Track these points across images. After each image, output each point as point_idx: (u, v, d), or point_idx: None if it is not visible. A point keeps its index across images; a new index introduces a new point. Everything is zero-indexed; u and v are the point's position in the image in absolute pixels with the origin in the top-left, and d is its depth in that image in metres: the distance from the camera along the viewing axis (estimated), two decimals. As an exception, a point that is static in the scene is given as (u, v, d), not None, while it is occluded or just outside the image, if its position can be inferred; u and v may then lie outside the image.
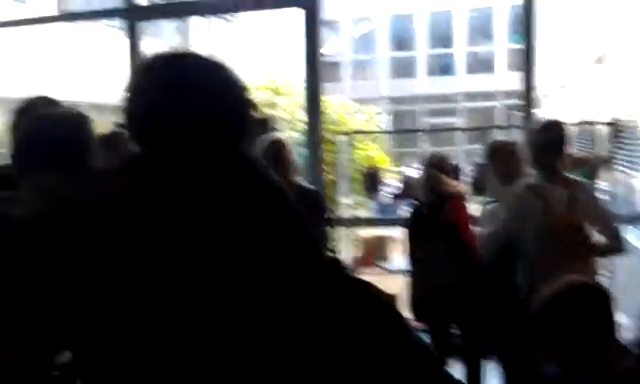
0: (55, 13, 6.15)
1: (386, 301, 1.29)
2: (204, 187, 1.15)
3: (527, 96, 4.82)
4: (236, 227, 1.13)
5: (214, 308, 1.10)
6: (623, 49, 8.47)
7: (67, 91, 10.93)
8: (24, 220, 1.25)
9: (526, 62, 4.89)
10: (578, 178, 3.19)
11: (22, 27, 6.54)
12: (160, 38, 16.19)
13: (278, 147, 3.75)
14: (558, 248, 2.95)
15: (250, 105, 1.34)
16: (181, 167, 1.17)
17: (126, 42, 5.79)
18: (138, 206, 1.13)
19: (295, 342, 1.12)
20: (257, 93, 11.04)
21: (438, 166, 3.83)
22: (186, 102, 1.22)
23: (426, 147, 25.66)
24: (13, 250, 1.16)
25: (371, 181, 4.77)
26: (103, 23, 12.59)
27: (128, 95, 1.27)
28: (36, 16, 6.40)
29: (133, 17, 5.77)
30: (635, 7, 7.64)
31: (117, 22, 8.44)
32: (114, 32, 10.82)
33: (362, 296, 1.23)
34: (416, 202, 3.92)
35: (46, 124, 1.76)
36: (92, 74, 12.27)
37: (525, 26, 4.89)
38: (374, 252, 4.90)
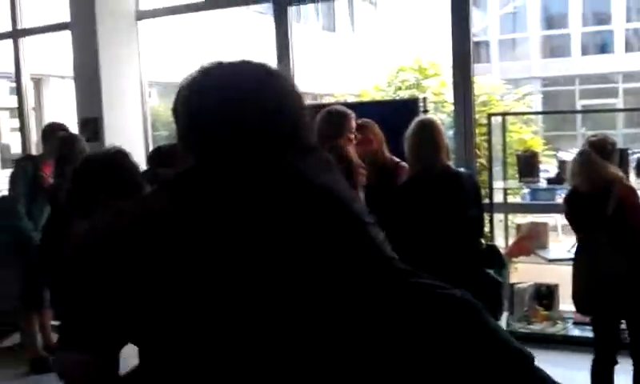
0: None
1: (461, 301, 1.20)
2: (246, 201, 1.14)
3: None
4: (280, 240, 1.12)
5: (269, 323, 1.10)
6: None
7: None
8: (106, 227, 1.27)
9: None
10: None
11: (173, 16, 6.87)
12: (306, 22, 16.50)
13: (429, 129, 3.63)
14: None
15: (304, 114, 1.30)
16: (226, 181, 1.17)
17: (274, 27, 5.89)
18: (182, 222, 1.15)
19: (354, 350, 1.10)
20: (403, 74, 10.90)
21: (598, 150, 3.54)
22: (234, 112, 1.20)
23: (582, 130, 24.43)
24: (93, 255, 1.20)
25: (527, 165, 4.51)
26: (252, 9, 12.94)
27: (177, 105, 1.28)
28: (186, 3, 6.65)
29: (281, 1, 5.84)
30: None
31: (265, 8, 8.60)
32: (262, 18, 11.08)
33: (426, 300, 1.17)
34: (574, 188, 3.65)
35: None
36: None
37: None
38: (531, 239, 4.65)
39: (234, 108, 1.21)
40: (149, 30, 6.87)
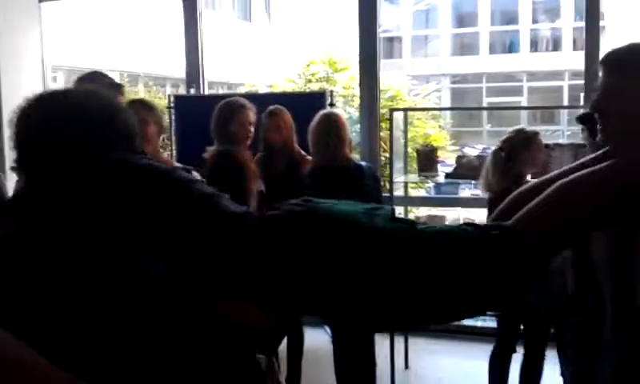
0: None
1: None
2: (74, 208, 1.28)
3: (590, 76, 4.64)
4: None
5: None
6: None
7: (126, 62, 11.13)
8: None
9: (588, 40, 4.71)
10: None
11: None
12: (220, 11, 16.35)
13: (332, 122, 3.71)
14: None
15: (133, 128, 1.46)
16: (54, 193, 1.31)
17: (183, 14, 5.84)
18: (33, 241, 1.28)
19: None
20: (314, 67, 11.00)
21: (506, 149, 3.57)
22: (55, 133, 1.36)
23: (487, 126, 25.31)
24: None
25: (426, 159, 4.67)
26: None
27: (14, 126, 1.40)
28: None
29: (192, -11, 5.80)
30: None
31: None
32: (174, 4, 10.92)
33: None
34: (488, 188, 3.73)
35: None
36: (153, 46, 12.43)
37: (587, 3, 4.71)
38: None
39: (57, 131, 1.36)
40: (54, 12, 6.66)
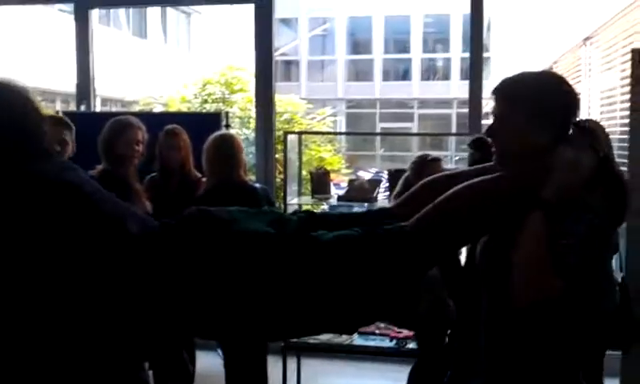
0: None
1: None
2: None
3: (475, 105, 4.87)
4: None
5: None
6: (569, 62, 8.66)
7: (15, 76, 10.68)
8: None
9: (473, 71, 4.95)
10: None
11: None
12: (115, 27, 15.97)
13: (226, 143, 3.70)
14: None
15: (40, 125, 1.49)
16: None
17: (75, 28, 5.68)
18: None
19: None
20: (210, 87, 10.95)
21: (415, 172, 3.65)
22: None
23: (381, 151, 25.98)
24: None
25: (319, 182, 4.74)
26: (56, 8, 12.31)
27: None
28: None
29: (84, 3, 5.65)
30: (580, 23, 7.83)
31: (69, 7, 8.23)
32: (65, 17, 10.58)
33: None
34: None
35: None
36: (42, 60, 11.96)
37: (472, 36, 4.95)
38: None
39: None
40: None
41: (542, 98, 1.65)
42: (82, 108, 5.60)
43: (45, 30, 12.11)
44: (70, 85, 6.04)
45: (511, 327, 1.64)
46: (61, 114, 4.55)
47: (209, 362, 4.47)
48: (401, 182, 3.71)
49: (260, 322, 1.35)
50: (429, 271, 1.51)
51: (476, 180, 1.55)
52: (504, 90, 1.70)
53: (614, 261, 3.38)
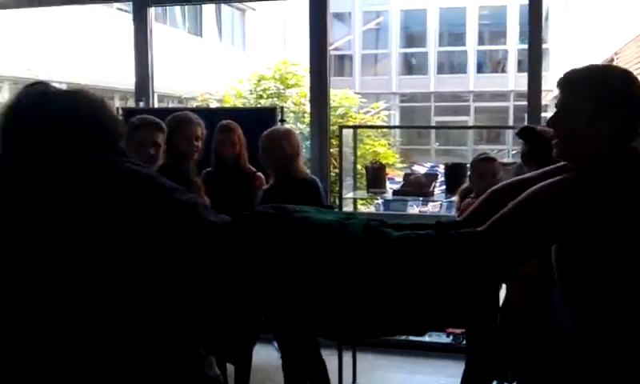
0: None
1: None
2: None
3: (533, 97, 4.77)
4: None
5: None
6: (632, 52, 8.40)
7: (72, 73, 10.96)
8: None
9: (531, 63, 4.85)
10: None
11: (31, 9, 6.56)
12: (171, 25, 16.24)
13: (284, 137, 3.71)
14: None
15: (117, 127, 1.52)
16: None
17: (134, 26, 5.80)
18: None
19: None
20: (265, 83, 11.03)
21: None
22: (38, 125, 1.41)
23: (435, 145, 25.73)
24: None
25: (374, 176, 4.73)
26: (115, 7, 12.59)
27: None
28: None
29: (143, 2, 5.75)
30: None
31: (128, 6, 8.41)
32: (124, 16, 10.81)
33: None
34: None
35: None
36: (102, 58, 12.25)
37: (531, 27, 4.84)
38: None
39: (45, 129, 1.40)
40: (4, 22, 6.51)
41: (608, 86, 1.61)
42: (141, 104, 5.71)
43: (104, 29, 12.40)
44: (128, 82, 6.17)
45: (603, 340, 1.59)
46: (117, 109, 4.63)
47: (266, 355, 4.51)
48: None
49: (331, 319, 1.34)
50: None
51: (548, 181, 1.51)
52: (568, 80, 1.66)
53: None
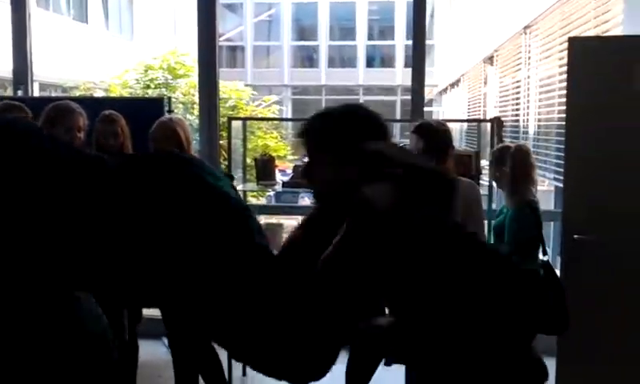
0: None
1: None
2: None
3: (418, 92, 4.93)
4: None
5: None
6: (510, 50, 8.85)
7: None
8: None
9: (416, 58, 5.00)
10: (457, 177, 3.24)
11: None
12: (54, 11, 15.53)
13: (175, 127, 3.64)
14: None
15: None
16: None
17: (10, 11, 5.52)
18: None
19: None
20: (153, 73, 10.78)
21: None
22: None
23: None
24: None
25: (264, 168, 4.73)
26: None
27: None
28: None
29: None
30: (520, 12, 8.00)
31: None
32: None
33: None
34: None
35: None
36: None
37: (415, 23, 5.00)
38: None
39: None
40: None
41: (339, 133, 1.65)
42: (20, 93, 5.44)
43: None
44: (6, 69, 5.86)
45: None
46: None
47: (154, 351, 4.43)
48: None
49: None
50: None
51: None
52: (308, 132, 1.70)
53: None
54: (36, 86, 5.69)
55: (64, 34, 14.74)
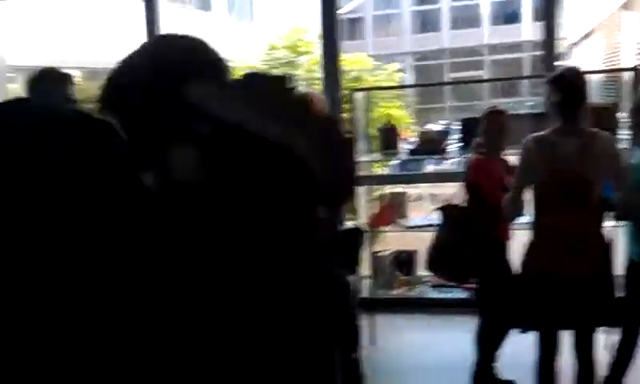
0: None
1: None
2: None
3: (550, 46, 4.71)
4: None
5: None
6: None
7: (86, 58, 11.02)
8: None
9: (547, 10, 4.78)
10: (595, 130, 3.08)
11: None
12: (178, 2, 16.18)
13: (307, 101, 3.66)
14: (560, 201, 2.88)
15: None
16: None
17: (143, 4, 5.82)
18: None
19: None
20: (276, 53, 10.98)
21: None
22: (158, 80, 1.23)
23: (448, 102, 25.52)
24: None
25: (387, 138, 4.72)
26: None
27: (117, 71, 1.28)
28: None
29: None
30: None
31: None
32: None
33: None
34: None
35: None
36: (110, 39, 12.28)
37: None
38: (392, 209, 4.87)
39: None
40: (9, 10, 6.55)
41: None
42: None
43: (114, 11, 12.41)
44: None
45: None
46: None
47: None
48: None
49: None
50: None
51: None
52: None
53: None
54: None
55: (188, 23, 15.33)
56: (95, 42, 11.99)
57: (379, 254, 4.92)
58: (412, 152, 4.76)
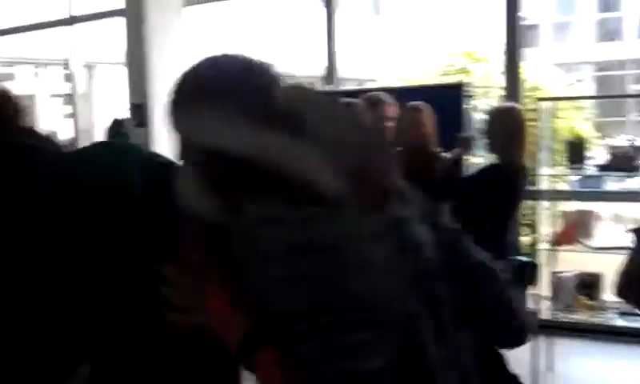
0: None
1: None
2: None
3: None
4: None
5: None
6: None
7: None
8: None
9: None
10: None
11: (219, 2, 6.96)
12: (345, 5, 16.35)
13: (511, 115, 3.44)
14: None
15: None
16: None
17: (325, 10, 5.93)
18: None
19: None
20: (452, 59, 10.74)
21: None
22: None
23: (632, 116, 23.76)
24: None
25: (575, 151, 4.43)
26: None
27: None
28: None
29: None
30: None
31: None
32: (312, 3, 11.07)
33: None
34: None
35: None
36: (291, 46, 12.67)
37: None
38: (577, 228, 4.56)
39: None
40: (197, 16, 6.95)
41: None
42: (329, 88, 5.81)
43: (286, 16, 12.80)
44: (311, 69, 6.33)
45: None
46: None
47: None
48: None
49: None
50: None
51: None
52: None
53: None
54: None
55: (357, 27, 15.44)
56: (269, 48, 12.47)
57: (561, 275, 4.63)
58: (602, 168, 4.42)
